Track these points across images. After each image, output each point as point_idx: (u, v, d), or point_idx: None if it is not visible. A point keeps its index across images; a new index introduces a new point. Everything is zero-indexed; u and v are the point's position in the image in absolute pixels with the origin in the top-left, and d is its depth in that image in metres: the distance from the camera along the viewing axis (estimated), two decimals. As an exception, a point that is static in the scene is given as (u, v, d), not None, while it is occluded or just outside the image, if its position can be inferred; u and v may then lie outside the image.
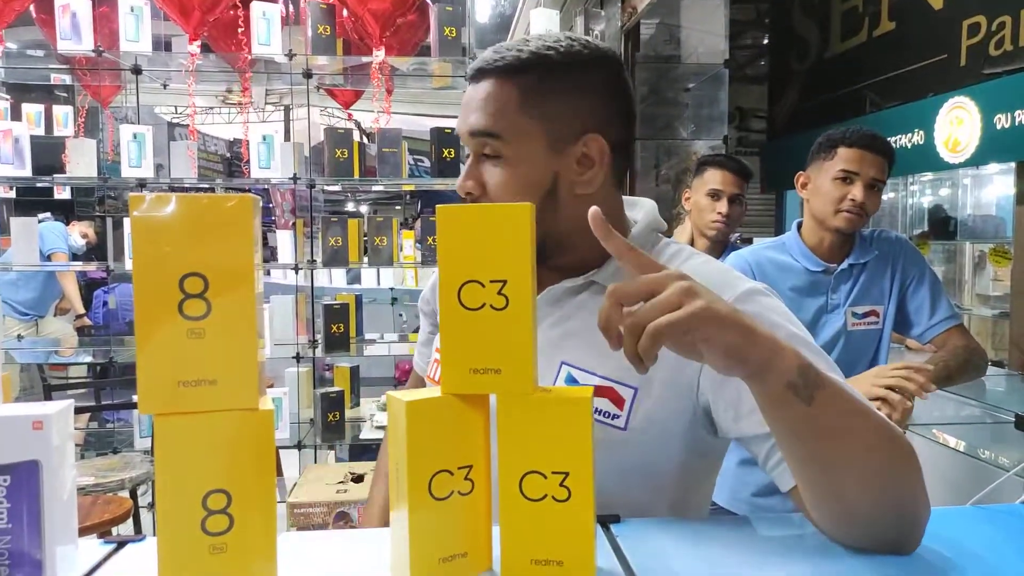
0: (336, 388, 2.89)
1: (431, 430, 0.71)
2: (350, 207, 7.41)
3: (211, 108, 5.48)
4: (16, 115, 3.85)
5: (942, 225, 4.89)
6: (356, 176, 2.85)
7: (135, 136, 2.66)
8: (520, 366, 0.71)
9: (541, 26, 2.74)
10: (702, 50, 3.18)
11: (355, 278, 5.51)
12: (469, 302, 0.70)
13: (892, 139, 4.69)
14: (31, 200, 5.25)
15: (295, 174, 2.79)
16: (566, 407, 0.71)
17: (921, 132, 4.48)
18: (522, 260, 0.70)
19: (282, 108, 5.05)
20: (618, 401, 0.88)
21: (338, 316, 2.79)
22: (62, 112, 4.28)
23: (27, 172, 2.69)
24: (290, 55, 2.74)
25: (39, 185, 2.79)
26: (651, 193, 3.30)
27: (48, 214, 4.84)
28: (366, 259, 2.92)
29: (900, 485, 0.71)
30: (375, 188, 3.17)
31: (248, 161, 2.86)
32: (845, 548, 0.77)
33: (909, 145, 4.57)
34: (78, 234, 4.76)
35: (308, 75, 2.87)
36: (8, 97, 4.09)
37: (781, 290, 1.78)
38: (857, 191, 1.70)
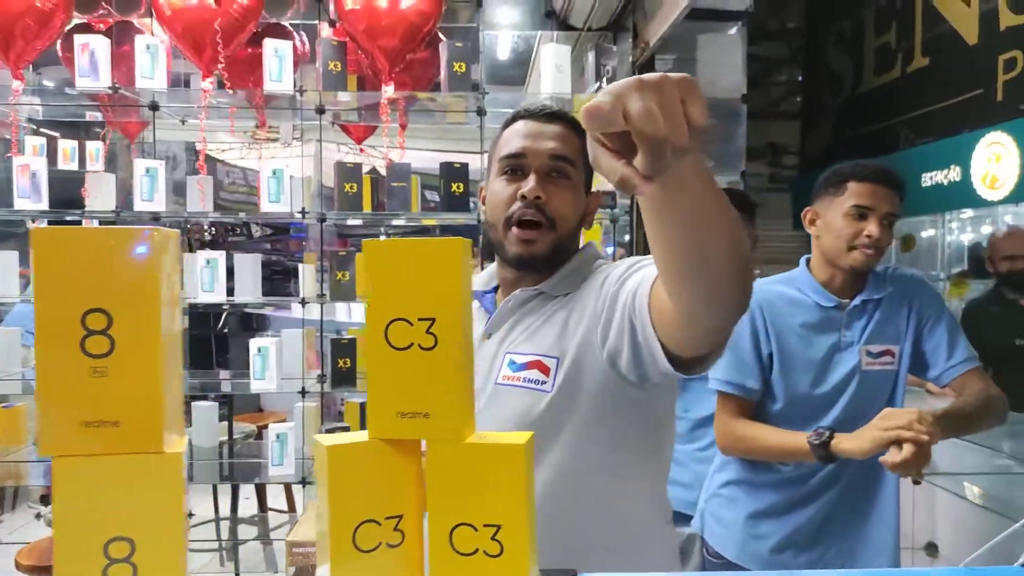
0: (343, 424, 2.86)
1: (356, 477, 0.68)
2: (375, 242, 7.44)
3: (247, 143, 5.61)
4: (53, 151, 3.97)
5: (982, 264, 4.74)
6: (366, 210, 2.87)
7: (147, 171, 2.71)
8: (451, 410, 0.68)
9: (551, 61, 2.75)
10: (719, 85, 3.16)
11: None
12: (396, 341, 0.67)
13: (928, 175, 4.60)
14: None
15: (303, 208, 2.81)
16: (499, 454, 0.67)
17: (958, 168, 4.38)
18: (453, 298, 0.67)
19: (309, 142, 5.15)
20: (545, 370, 1.11)
21: (345, 351, 2.78)
22: (94, 147, 4.42)
23: (43, 206, 2.77)
24: (300, 91, 2.79)
25: (68, 219, 2.87)
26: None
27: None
28: (375, 294, 2.90)
29: (742, 243, 0.79)
30: (395, 223, 3.19)
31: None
32: None
33: (945, 182, 4.47)
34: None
35: (321, 111, 2.91)
36: (45, 132, 4.23)
37: (791, 326, 1.72)
38: (873, 227, 1.64)
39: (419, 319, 0.67)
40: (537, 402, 1.09)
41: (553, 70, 2.75)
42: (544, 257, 1.16)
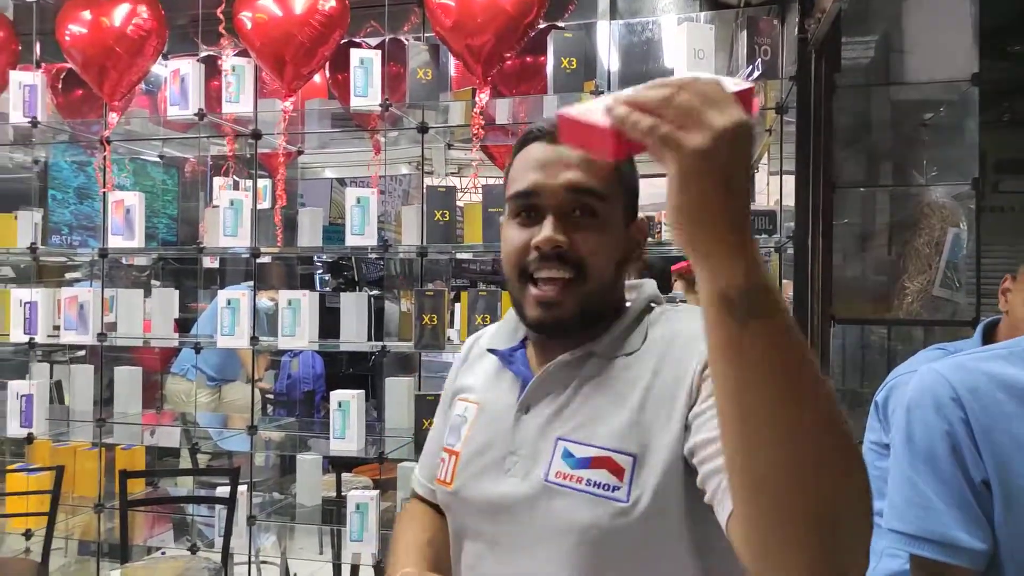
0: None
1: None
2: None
3: (432, 173, 5.51)
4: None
5: None
6: (468, 241, 2.46)
7: (232, 203, 2.54)
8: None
9: (688, 45, 2.17)
10: (938, 66, 2.35)
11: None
12: None
13: None
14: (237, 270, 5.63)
15: (385, 239, 2.47)
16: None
17: None
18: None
19: (464, 174, 4.91)
20: (617, 471, 0.89)
21: (430, 410, 2.37)
22: (262, 185, 4.52)
23: (135, 243, 2.71)
24: (385, 106, 2.45)
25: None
26: (874, 253, 2.58)
27: (250, 282, 5.10)
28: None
29: (836, 484, 0.60)
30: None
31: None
32: None
33: None
34: (267, 298, 4.92)
35: (423, 129, 2.56)
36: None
37: (1017, 433, 0.99)
38: None
39: None
40: (608, 516, 0.87)
41: (691, 56, 2.16)
42: (573, 320, 0.95)
